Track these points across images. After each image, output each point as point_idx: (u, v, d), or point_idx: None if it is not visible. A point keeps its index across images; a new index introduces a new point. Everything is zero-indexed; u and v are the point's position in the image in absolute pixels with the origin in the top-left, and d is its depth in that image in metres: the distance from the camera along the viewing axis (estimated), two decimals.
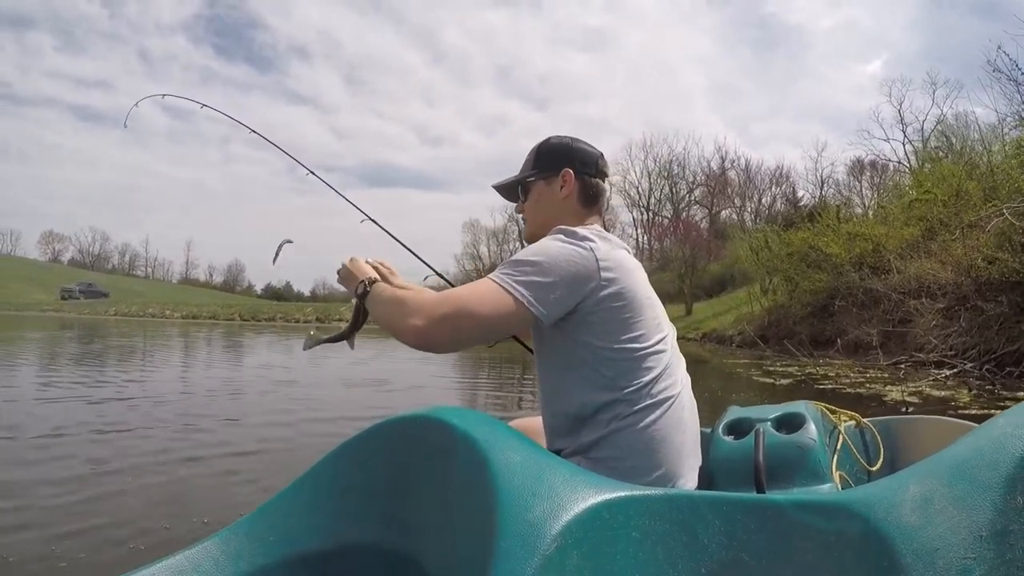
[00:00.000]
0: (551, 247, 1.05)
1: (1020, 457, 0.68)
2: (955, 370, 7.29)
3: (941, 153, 16.96)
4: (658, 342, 1.08)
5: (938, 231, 10.70)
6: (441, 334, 0.98)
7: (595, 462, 1.02)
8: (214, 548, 0.88)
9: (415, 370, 7.99)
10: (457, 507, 0.81)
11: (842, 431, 1.26)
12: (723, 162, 44.59)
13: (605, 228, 1.22)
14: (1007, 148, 11.47)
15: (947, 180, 11.01)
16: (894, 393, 5.86)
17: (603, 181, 1.26)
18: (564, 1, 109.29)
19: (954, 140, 18.00)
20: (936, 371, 7.43)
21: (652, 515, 0.75)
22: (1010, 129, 12.75)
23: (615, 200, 43.76)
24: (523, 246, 1.15)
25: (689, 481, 1.08)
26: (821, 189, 36.80)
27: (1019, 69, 11.56)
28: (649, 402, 1.04)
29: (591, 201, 1.23)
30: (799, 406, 1.20)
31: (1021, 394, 5.77)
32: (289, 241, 1.41)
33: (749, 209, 43.31)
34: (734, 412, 1.25)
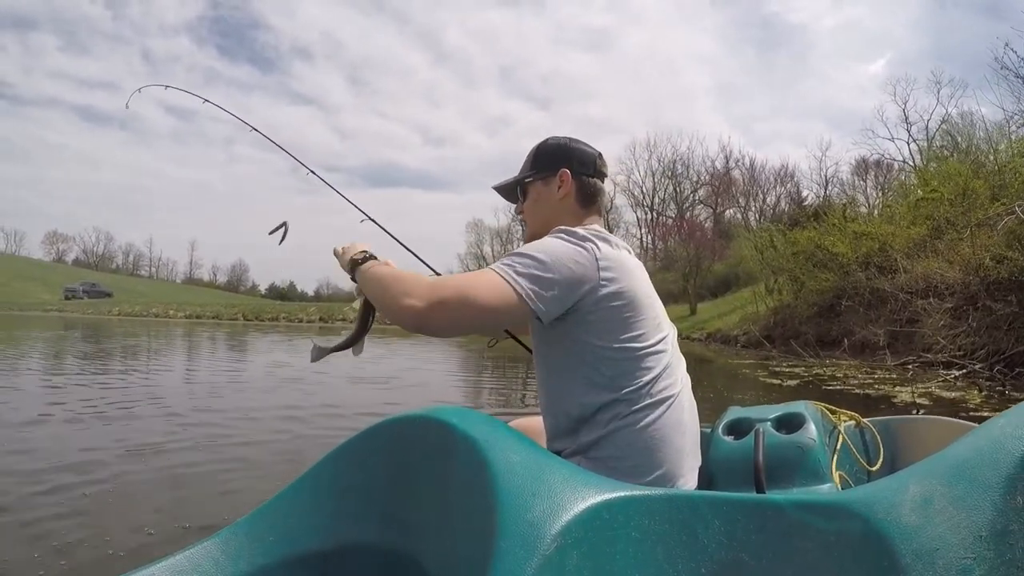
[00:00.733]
0: (553, 245, 1.05)
1: (1020, 457, 0.68)
2: (964, 371, 7.23)
3: (946, 152, 16.87)
4: (658, 342, 1.08)
5: (945, 230, 10.63)
6: (439, 317, 0.96)
7: (595, 462, 1.02)
8: (214, 548, 0.88)
9: (420, 369, 8.00)
10: (457, 507, 0.81)
11: (842, 431, 1.26)
12: (727, 161, 44.56)
13: (607, 228, 1.22)
14: (1014, 146, 11.41)
15: (953, 179, 10.95)
16: (904, 394, 5.80)
17: (602, 181, 1.26)
18: (566, 1, 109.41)
19: (959, 139, 17.91)
20: (945, 372, 7.38)
21: (652, 515, 0.75)
22: (1017, 127, 12.66)
23: (619, 200, 43.75)
24: None
25: (689, 481, 1.07)
26: (825, 189, 36.74)
27: None
28: (649, 402, 1.04)
29: (589, 201, 1.23)
30: (799, 406, 1.20)
31: None
32: (284, 224, 1.41)
33: (753, 209, 43.26)
34: (734, 412, 1.25)
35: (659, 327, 1.10)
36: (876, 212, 17.92)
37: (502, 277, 0.99)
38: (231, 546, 0.89)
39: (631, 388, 1.03)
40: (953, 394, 5.82)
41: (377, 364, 8.28)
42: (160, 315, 33.50)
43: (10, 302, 43.20)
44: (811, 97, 77.78)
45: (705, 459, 1.14)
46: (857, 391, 6.30)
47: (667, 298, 1.20)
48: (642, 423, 1.03)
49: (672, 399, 1.06)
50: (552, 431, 1.13)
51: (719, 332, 18.82)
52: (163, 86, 2.09)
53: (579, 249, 1.04)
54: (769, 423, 1.15)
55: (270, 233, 1.42)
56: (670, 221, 43.75)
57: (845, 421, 1.35)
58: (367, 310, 1.17)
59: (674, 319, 1.19)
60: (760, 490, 1.04)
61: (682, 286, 27.20)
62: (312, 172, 1.91)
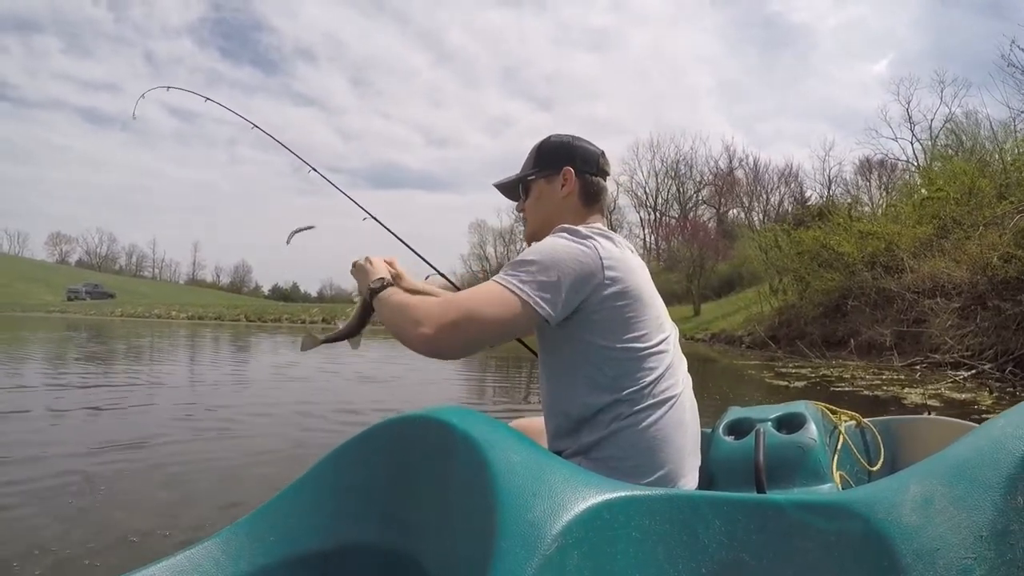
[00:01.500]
0: (554, 246, 1.04)
1: (1020, 457, 0.68)
2: (973, 371, 7.17)
3: (951, 151, 16.80)
4: (660, 342, 1.08)
5: (951, 229, 10.57)
6: (450, 341, 0.97)
7: (596, 462, 1.02)
8: (214, 548, 0.88)
9: (423, 368, 8.00)
10: (457, 507, 0.81)
11: (842, 431, 1.25)
12: (731, 161, 44.51)
13: (609, 227, 1.22)
14: (1021, 144, 11.34)
15: (959, 178, 10.90)
16: (914, 396, 5.72)
17: (604, 179, 1.25)
18: (569, 1, 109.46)
19: (964, 138, 17.83)
20: (953, 372, 7.32)
21: (652, 515, 0.74)
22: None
23: (622, 200, 43.73)
24: (530, 245, 1.15)
25: (690, 481, 1.07)
26: (829, 188, 36.69)
27: None
28: (651, 402, 1.03)
29: (592, 199, 1.23)
30: (799, 406, 1.19)
31: None
32: (311, 227, 1.43)
33: (757, 208, 43.20)
34: (734, 412, 1.24)
35: (661, 327, 1.10)
36: (880, 212, 17.84)
37: (507, 288, 0.99)
38: (231, 546, 0.89)
39: (633, 388, 1.03)
40: (963, 395, 5.75)
41: (380, 365, 8.30)
42: (163, 316, 33.62)
43: (13, 303, 43.44)
44: (814, 97, 77.82)
45: (706, 459, 1.14)
46: (866, 392, 6.24)
47: (671, 299, 1.19)
48: (644, 423, 1.02)
49: (674, 399, 1.06)
50: (553, 431, 1.13)
51: (723, 332, 18.76)
52: (166, 87, 2.13)
53: (582, 248, 1.04)
54: (770, 423, 1.15)
55: (298, 231, 1.44)
56: (673, 221, 43.74)
57: (846, 421, 1.35)
58: (366, 308, 1.18)
59: (678, 320, 1.18)
60: (761, 490, 1.04)
61: (686, 286, 27.18)
62: (314, 170, 1.92)
